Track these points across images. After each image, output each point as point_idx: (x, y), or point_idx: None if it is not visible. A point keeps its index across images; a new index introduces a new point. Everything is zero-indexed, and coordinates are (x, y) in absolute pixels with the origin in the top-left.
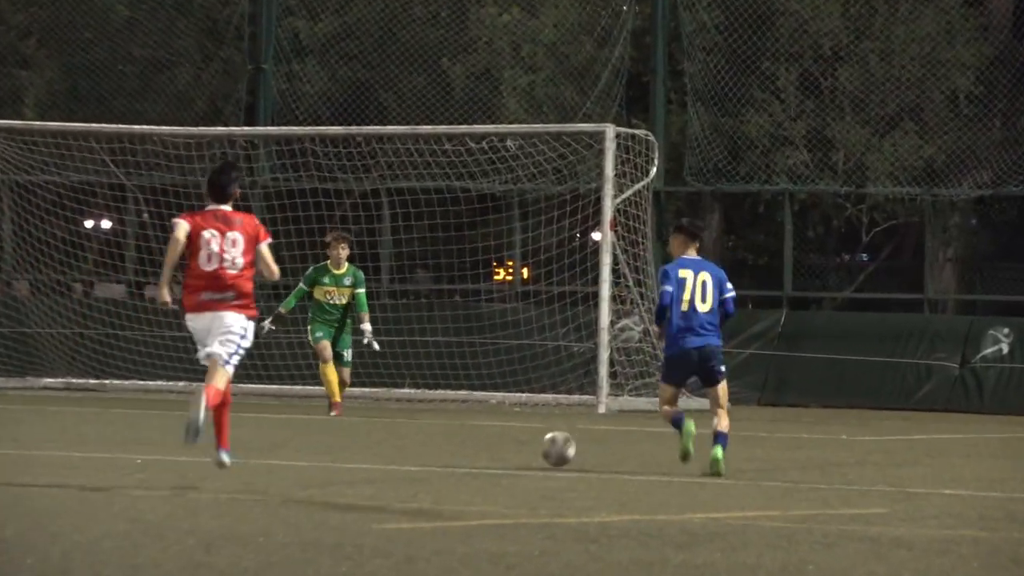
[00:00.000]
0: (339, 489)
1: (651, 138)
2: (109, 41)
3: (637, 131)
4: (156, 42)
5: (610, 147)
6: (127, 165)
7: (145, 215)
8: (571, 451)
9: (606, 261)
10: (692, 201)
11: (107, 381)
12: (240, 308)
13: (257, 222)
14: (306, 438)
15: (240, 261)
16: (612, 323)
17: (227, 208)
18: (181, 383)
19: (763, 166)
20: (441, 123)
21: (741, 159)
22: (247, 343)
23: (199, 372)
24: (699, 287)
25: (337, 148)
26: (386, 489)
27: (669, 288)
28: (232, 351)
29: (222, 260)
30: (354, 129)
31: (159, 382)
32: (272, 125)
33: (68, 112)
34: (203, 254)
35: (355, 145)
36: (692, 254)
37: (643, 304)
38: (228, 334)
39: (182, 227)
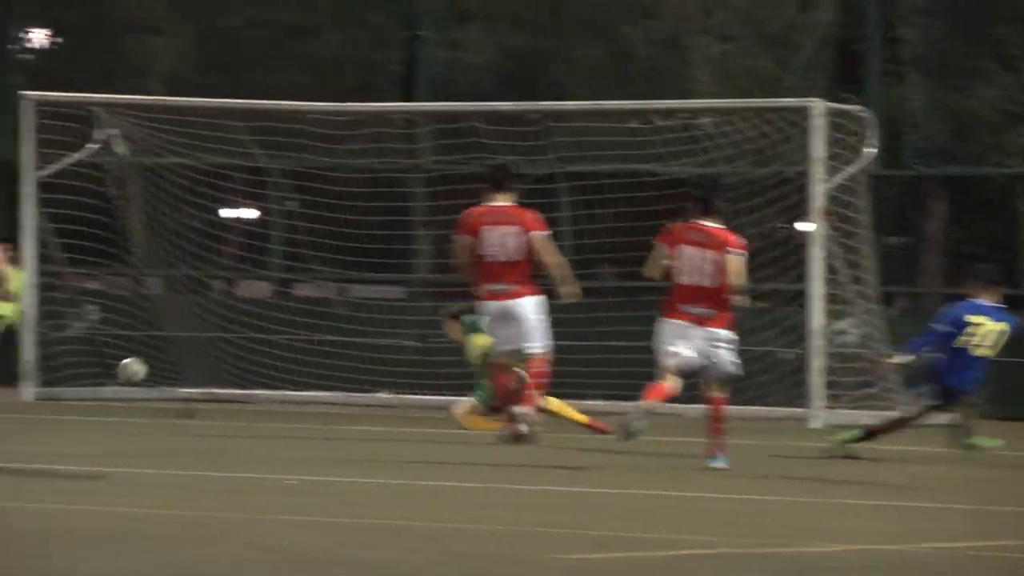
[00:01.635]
0: (517, 515)
1: (866, 114)
2: (246, 3)
3: (849, 107)
4: (298, 4)
5: (818, 125)
6: (269, 146)
7: (290, 203)
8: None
9: (817, 255)
10: (912, 186)
11: (253, 392)
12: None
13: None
14: (476, 455)
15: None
16: (826, 326)
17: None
18: (336, 394)
19: (994, 146)
20: (622, 98)
21: (968, 138)
22: None
23: (355, 381)
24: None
25: (507, 127)
26: (572, 514)
27: None
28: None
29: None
30: (526, 105)
31: (311, 392)
32: (431, 100)
33: (199, 85)
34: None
35: (527, 123)
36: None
37: (862, 304)
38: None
39: None
